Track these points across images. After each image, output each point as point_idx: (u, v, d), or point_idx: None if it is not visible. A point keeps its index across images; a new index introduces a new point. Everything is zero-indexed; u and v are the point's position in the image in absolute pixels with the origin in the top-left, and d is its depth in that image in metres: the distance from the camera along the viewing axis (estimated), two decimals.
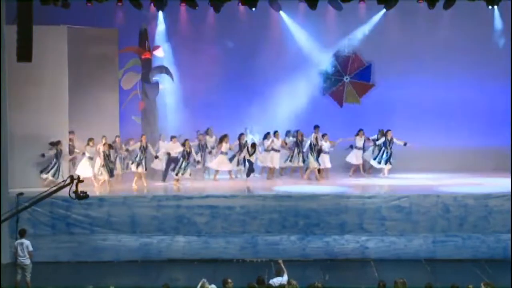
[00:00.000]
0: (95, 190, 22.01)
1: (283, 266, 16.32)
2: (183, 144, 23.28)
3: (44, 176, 22.46)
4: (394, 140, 24.35)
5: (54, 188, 12.74)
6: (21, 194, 18.61)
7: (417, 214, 20.80)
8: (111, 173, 22.71)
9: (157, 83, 26.12)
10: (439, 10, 23.69)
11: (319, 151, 24.26)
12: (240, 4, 23.99)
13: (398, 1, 23.44)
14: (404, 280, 14.28)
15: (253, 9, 23.62)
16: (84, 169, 22.73)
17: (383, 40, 25.80)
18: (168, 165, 23.94)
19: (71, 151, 23.30)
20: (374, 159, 24.80)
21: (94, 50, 24.09)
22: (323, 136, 24.36)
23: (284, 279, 15.98)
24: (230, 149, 24.24)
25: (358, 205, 20.88)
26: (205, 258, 20.70)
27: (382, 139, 24.51)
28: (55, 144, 22.55)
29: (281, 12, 25.81)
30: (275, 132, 24.55)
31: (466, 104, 25.53)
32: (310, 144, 24.20)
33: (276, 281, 15.96)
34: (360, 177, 24.74)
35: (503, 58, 24.83)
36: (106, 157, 22.54)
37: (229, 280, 14.78)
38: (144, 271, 19.91)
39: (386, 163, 24.58)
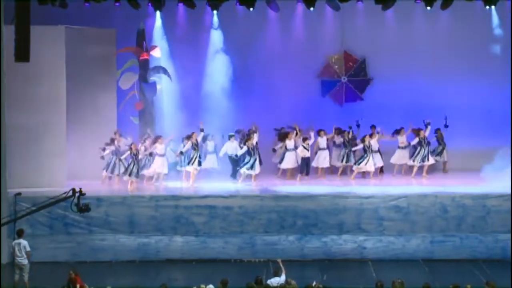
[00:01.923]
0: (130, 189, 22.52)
1: (281, 266, 16.33)
2: (246, 140, 23.50)
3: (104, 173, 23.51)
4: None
5: (54, 200, 12.73)
6: (19, 194, 18.62)
7: (415, 214, 20.81)
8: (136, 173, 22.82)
9: (154, 83, 26.07)
10: (437, 10, 23.74)
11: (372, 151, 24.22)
12: (238, 4, 24.00)
13: (395, 1, 23.45)
14: (402, 280, 14.30)
15: (251, 9, 23.63)
16: (160, 167, 23.31)
17: (381, 40, 25.80)
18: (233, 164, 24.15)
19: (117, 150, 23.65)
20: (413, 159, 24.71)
21: (92, 50, 24.08)
22: (371, 135, 24.27)
23: (281, 279, 16.00)
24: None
25: (356, 205, 20.88)
26: (203, 258, 20.70)
27: (416, 140, 24.52)
28: (112, 142, 23.30)
29: (279, 12, 25.78)
30: (319, 131, 24.55)
31: (464, 103, 25.46)
32: (364, 146, 24.09)
33: (274, 281, 16.00)
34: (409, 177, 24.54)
35: (501, 57, 24.95)
36: (134, 156, 22.65)
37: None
38: (142, 271, 19.89)
39: (422, 161, 24.45)
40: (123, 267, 20.42)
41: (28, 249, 17.66)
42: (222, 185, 23.19)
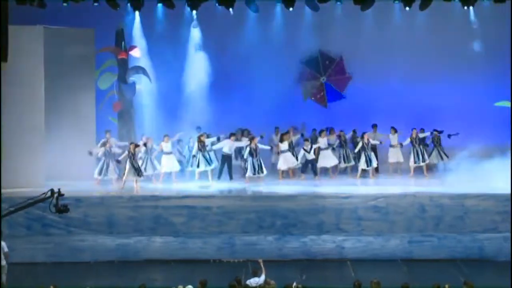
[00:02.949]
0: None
1: (262, 266, 16.34)
2: (250, 140, 23.54)
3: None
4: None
5: (33, 201, 12.66)
6: None
7: (394, 214, 20.83)
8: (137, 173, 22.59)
9: (133, 83, 26.06)
10: (416, 11, 23.91)
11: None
12: (217, 4, 24.00)
13: (374, 1, 23.54)
14: (378, 280, 14.35)
15: (230, 9, 23.66)
16: (169, 165, 23.60)
17: (360, 40, 25.91)
18: (223, 163, 24.13)
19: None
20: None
21: (70, 50, 23.97)
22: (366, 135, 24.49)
23: (261, 279, 16.03)
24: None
25: (335, 205, 20.88)
26: (182, 259, 20.66)
27: (408, 139, 24.67)
28: (104, 144, 23.25)
29: (258, 12, 25.81)
30: (321, 131, 24.65)
31: (445, 104, 25.67)
32: (363, 144, 24.26)
33: (252, 281, 16.03)
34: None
35: (479, 57, 25.21)
36: (132, 156, 22.45)
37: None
38: (121, 272, 19.82)
39: (422, 161, 24.70)
40: (102, 267, 20.32)
41: (6, 250, 17.52)
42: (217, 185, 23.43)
